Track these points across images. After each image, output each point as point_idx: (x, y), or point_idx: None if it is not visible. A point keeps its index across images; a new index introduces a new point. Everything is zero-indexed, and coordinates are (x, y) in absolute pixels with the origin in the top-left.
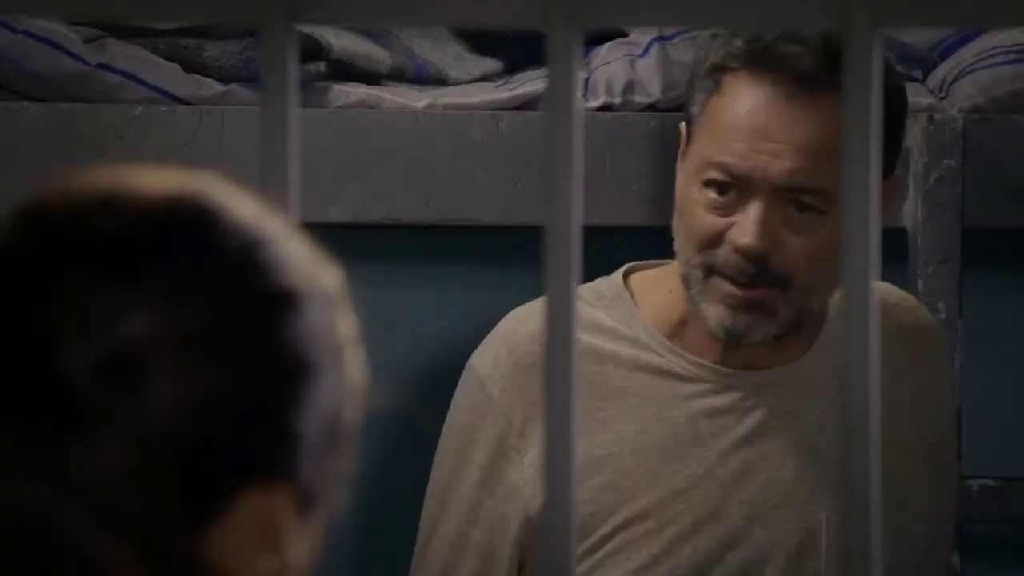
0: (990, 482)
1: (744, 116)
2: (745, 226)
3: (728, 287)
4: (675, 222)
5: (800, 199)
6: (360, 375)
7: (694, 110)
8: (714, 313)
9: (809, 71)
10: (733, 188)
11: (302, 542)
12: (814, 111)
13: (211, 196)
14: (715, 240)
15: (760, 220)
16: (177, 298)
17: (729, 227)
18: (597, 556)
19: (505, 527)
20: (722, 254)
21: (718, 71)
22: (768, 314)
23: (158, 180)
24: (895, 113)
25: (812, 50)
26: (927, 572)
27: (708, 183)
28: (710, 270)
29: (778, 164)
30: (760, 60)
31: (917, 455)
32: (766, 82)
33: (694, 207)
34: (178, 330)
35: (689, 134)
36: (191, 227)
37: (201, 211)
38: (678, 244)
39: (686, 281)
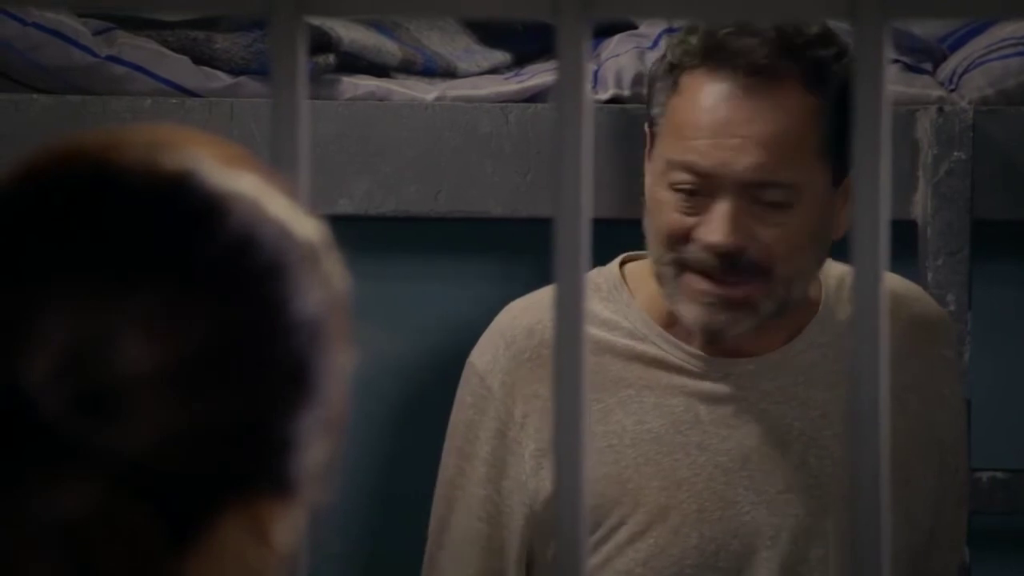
0: (999, 474)
1: (704, 113)
2: (712, 223)
3: (702, 284)
4: (645, 221)
5: (765, 194)
6: (352, 358)
7: (656, 111)
8: (689, 312)
9: (764, 63)
10: (700, 189)
11: (288, 527)
12: (773, 103)
13: (204, 187)
14: (683, 238)
15: (728, 216)
16: (169, 319)
17: (697, 225)
18: (607, 548)
19: (511, 522)
20: (692, 251)
21: (675, 70)
22: (751, 311)
23: (144, 170)
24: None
25: (765, 42)
26: (930, 561)
27: (675, 186)
28: (681, 267)
29: (742, 159)
30: (715, 56)
31: (921, 442)
32: (723, 78)
33: (662, 206)
34: (169, 358)
35: (653, 135)
36: (186, 230)
37: (194, 210)
38: (648, 242)
39: (660, 279)
